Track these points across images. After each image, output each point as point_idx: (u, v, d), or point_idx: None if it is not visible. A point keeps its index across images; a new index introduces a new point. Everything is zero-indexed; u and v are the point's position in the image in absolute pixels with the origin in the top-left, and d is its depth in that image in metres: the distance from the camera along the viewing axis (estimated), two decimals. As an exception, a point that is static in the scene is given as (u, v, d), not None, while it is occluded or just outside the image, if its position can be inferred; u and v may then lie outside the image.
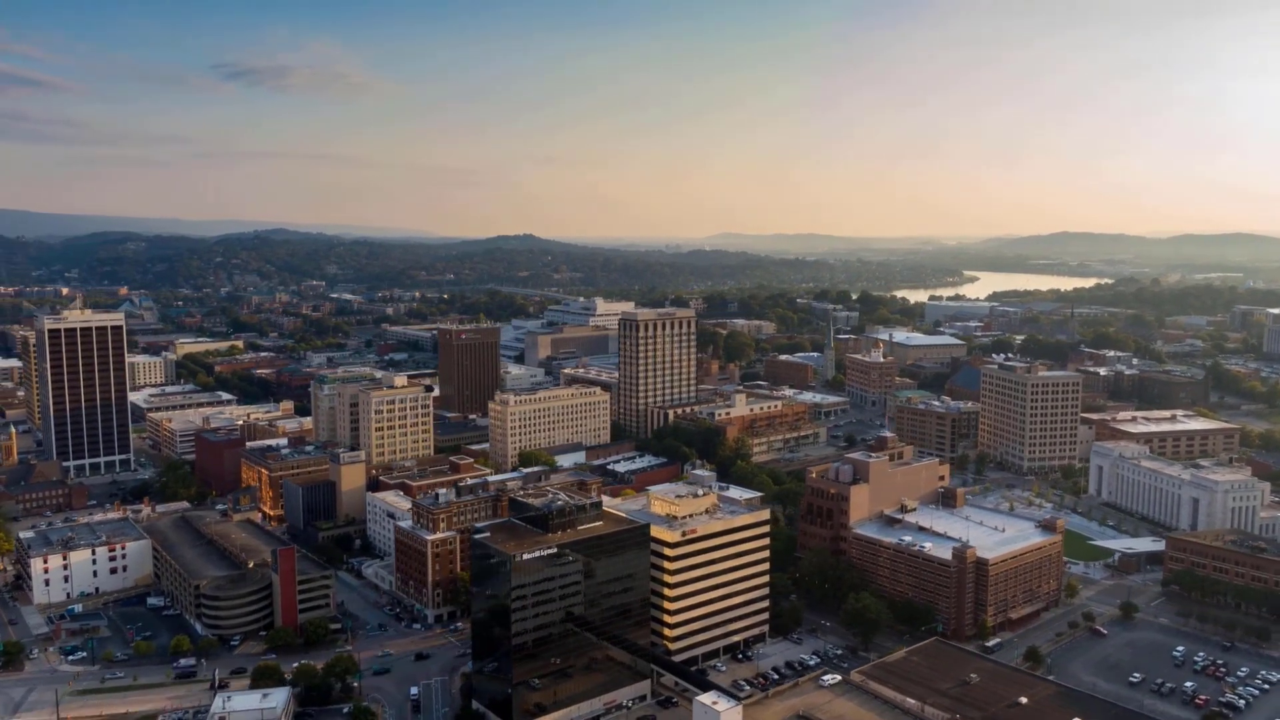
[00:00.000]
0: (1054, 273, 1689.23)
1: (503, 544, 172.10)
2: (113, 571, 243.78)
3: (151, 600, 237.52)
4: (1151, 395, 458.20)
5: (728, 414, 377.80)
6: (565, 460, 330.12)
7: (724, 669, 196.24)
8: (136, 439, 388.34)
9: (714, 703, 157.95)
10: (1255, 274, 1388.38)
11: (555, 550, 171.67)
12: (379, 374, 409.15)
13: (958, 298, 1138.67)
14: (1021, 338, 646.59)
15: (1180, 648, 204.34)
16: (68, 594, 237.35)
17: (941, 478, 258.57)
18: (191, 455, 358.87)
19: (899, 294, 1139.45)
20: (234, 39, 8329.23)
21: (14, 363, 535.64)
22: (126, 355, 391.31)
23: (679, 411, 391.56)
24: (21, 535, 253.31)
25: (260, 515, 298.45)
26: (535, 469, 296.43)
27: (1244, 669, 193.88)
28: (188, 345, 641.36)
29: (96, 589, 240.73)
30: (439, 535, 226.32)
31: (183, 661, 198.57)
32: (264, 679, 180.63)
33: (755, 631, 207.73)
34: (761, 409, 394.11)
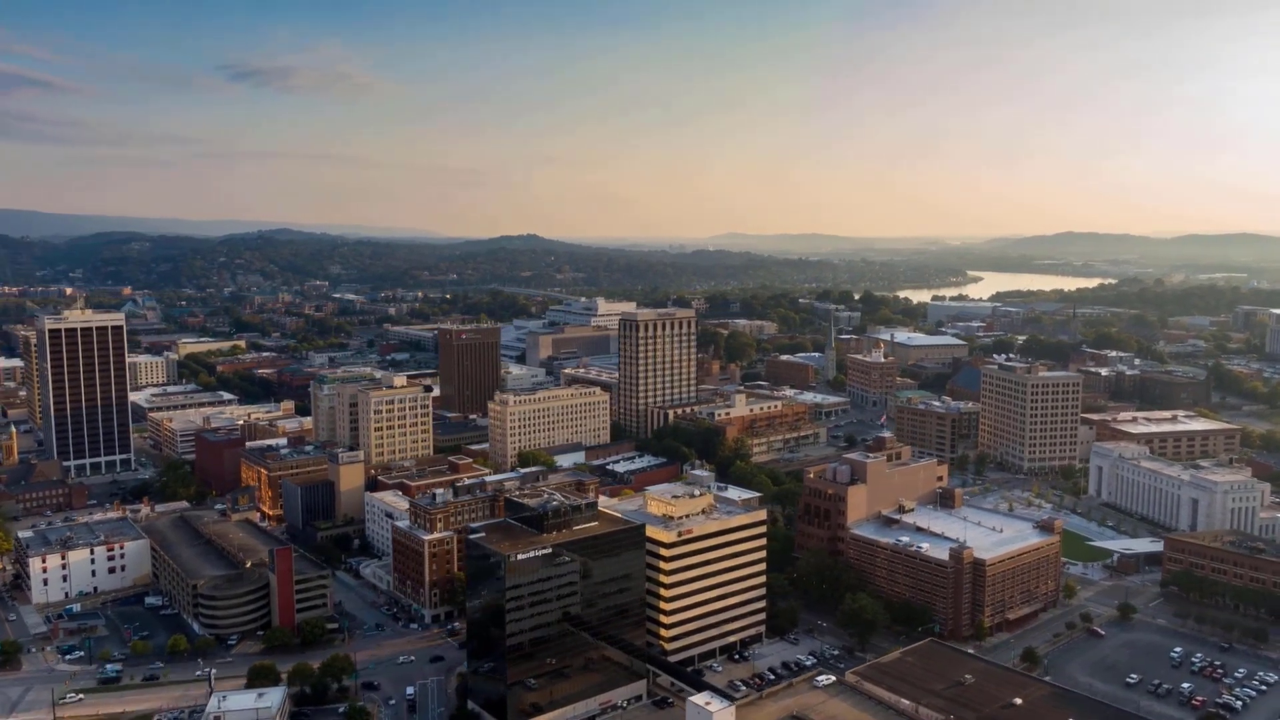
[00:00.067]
0: (1058, 273, 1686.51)
1: (497, 544, 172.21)
2: (111, 571, 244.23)
3: (150, 600, 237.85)
4: (1153, 396, 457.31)
5: (727, 414, 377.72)
6: (565, 460, 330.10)
7: (720, 669, 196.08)
8: (137, 439, 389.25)
9: (707, 703, 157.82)
10: (1259, 274, 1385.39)
11: (550, 550, 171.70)
12: (379, 374, 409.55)
13: (961, 298, 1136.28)
14: (1023, 338, 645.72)
15: (1178, 649, 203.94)
16: (66, 593, 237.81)
17: (940, 478, 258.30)
18: (192, 455, 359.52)
19: (902, 294, 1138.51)
20: (237, 40, 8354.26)
21: (16, 363, 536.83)
22: (128, 355, 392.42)
23: (679, 412, 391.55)
24: (20, 535, 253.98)
25: (259, 515, 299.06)
26: (533, 469, 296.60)
27: (1241, 670, 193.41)
28: (190, 345, 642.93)
29: (95, 588, 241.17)
30: (436, 535, 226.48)
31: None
32: (260, 679, 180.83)
33: (752, 632, 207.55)
34: (761, 409, 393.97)
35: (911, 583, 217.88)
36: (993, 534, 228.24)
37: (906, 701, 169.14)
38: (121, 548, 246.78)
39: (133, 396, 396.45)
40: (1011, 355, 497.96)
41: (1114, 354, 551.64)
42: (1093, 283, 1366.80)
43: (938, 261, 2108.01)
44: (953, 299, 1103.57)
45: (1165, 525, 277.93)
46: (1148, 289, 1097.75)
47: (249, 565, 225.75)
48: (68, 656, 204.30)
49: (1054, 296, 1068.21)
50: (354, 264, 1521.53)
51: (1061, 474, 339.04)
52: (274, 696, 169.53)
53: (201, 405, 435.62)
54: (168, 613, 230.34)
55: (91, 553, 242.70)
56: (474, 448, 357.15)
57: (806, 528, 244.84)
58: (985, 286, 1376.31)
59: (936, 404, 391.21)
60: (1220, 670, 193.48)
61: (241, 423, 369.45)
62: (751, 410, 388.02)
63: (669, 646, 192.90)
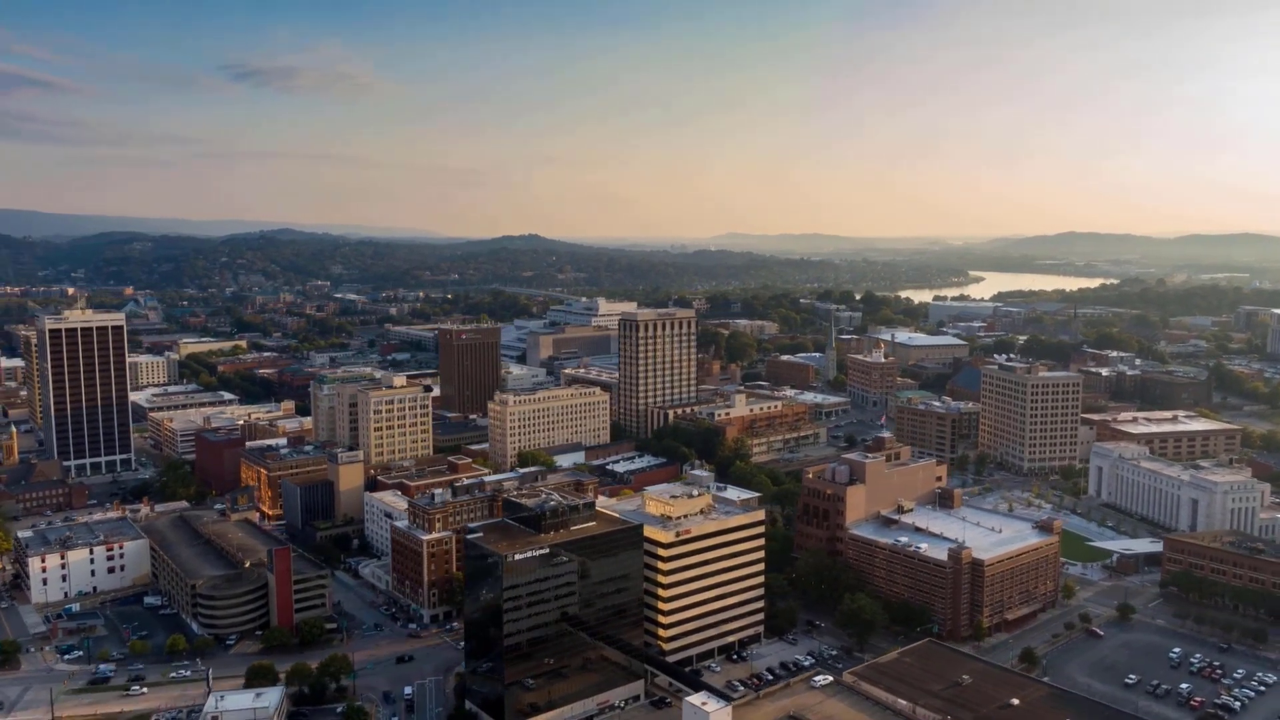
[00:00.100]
0: (1060, 273, 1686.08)
1: (495, 544, 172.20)
2: (110, 571, 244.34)
3: (149, 599, 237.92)
4: (1154, 396, 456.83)
5: (727, 414, 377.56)
6: (565, 460, 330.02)
7: (719, 669, 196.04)
8: (138, 438, 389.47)
9: (703, 703, 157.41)
10: (1261, 274, 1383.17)
11: (548, 550, 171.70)
12: (379, 374, 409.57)
13: (962, 298, 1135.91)
14: (1024, 338, 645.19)
15: (1177, 649, 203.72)
16: (65, 593, 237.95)
17: (939, 478, 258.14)
18: (192, 455, 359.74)
19: (903, 294, 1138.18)
20: (238, 40, 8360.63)
21: (17, 362, 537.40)
22: (128, 355, 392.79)
23: (679, 412, 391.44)
24: (20, 534, 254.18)
25: (258, 515, 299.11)
26: (533, 469, 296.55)
27: (1240, 670, 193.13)
28: (191, 345, 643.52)
29: (94, 588, 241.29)
30: (434, 535, 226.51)
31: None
32: (258, 678, 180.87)
33: (750, 632, 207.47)
34: (761, 409, 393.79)
35: (910, 583, 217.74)
36: (992, 534, 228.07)
37: (904, 702, 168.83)
38: (121, 548, 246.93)
39: (133, 396, 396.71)
40: (1012, 355, 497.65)
41: (1115, 354, 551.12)
42: (1094, 283, 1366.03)
43: (939, 261, 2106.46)
44: (954, 299, 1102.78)
45: (1165, 526, 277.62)
46: (1149, 289, 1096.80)
47: (248, 565, 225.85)
48: (66, 656, 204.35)
49: (1055, 297, 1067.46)
50: (355, 264, 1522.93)
51: (1061, 474, 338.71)
52: (272, 696, 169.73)
53: (202, 405, 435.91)
54: (167, 612, 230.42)
55: (91, 552, 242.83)
56: (474, 448, 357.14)
57: (805, 528, 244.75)
58: (987, 286, 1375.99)
59: (937, 404, 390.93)
60: (1219, 671, 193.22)
61: (241, 423, 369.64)
62: (751, 410, 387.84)
63: (667, 647, 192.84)
